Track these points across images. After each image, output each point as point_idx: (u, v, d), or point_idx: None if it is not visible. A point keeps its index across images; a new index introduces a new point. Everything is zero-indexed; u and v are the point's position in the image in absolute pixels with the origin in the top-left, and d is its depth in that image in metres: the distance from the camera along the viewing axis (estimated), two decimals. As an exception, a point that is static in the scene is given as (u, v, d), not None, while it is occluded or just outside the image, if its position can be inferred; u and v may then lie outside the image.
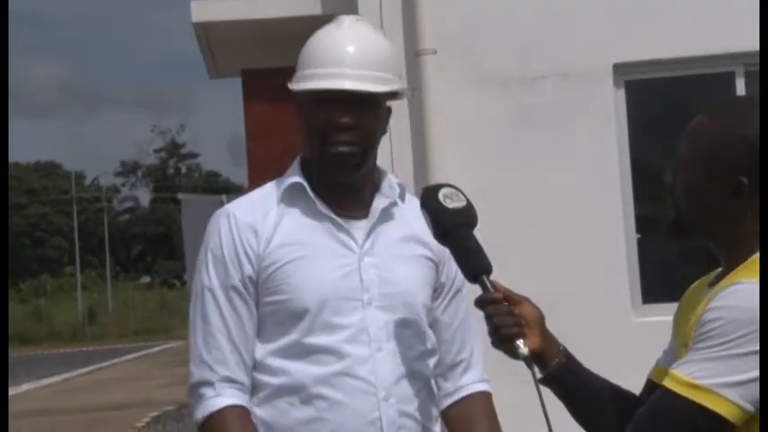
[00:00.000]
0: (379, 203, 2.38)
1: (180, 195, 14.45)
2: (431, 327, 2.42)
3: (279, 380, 2.28)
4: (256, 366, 2.31)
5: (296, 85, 2.34)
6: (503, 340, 2.01)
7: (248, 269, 2.30)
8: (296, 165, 2.40)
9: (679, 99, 5.82)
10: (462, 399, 2.46)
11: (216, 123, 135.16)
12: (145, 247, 75.03)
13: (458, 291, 2.47)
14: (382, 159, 5.53)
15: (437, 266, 2.42)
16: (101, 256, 67.21)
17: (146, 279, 71.40)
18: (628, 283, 5.72)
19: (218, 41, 7.15)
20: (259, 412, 2.30)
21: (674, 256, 5.95)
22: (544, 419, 1.97)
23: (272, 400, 2.29)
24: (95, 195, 73.87)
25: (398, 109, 5.72)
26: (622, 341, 5.41)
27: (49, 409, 18.32)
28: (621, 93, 5.85)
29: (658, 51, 5.76)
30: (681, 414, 1.75)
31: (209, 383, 2.29)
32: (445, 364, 2.45)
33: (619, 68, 5.79)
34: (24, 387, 22.93)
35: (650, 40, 5.75)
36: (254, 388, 2.31)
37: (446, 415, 2.46)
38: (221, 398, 2.28)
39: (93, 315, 52.63)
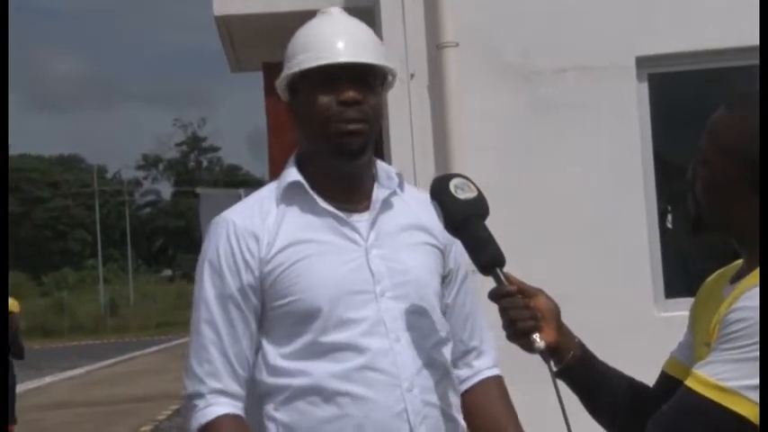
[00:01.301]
0: (379, 194, 2.36)
1: (198, 190, 14.45)
2: (443, 315, 2.40)
3: (298, 381, 2.24)
4: (271, 371, 2.27)
5: (298, 66, 2.29)
6: (519, 334, 1.99)
7: (248, 277, 2.27)
8: (292, 163, 2.37)
9: (703, 93, 5.78)
10: (476, 384, 2.45)
11: (237, 117, 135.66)
12: (166, 240, 75.32)
13: (465, 276, 2.45)
14: (404, 152, 5.57)
15: (443, 253, 2.40)
16: (122, 249, 67.54)
17: (167, 272, 71.69)
18: (651, 277, 5.69)
19: (239, 35, 7.15)
20: (279, 416, 2.26)
21: (698, 251, 5.91)
22: (550, 416, 1.97)
23: (292, 402, 2.25)
24: (117, 189, 74.23)
25: (420, 102, 5.74)
26: (645, 336, 5.38)
27: (72, 401, 18.45)
28: (645, 86, 5.81)
29: (682, 44, 5.72)
30: (705, 415, 1.72)
31: (201, 395, 2.27)
32: (458, 351, 2.43)
33: (642, 61, 5.75)
34: (47, 379, 23.12)
35: (674, 32, 5.71)
36: (272, 393, 2.27)
37: (462, 400, 2.44)
38: (214, 407, 2.26)
39: (114, 308, 52.95)
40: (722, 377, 1.71)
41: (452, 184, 2.14)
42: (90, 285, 59.60)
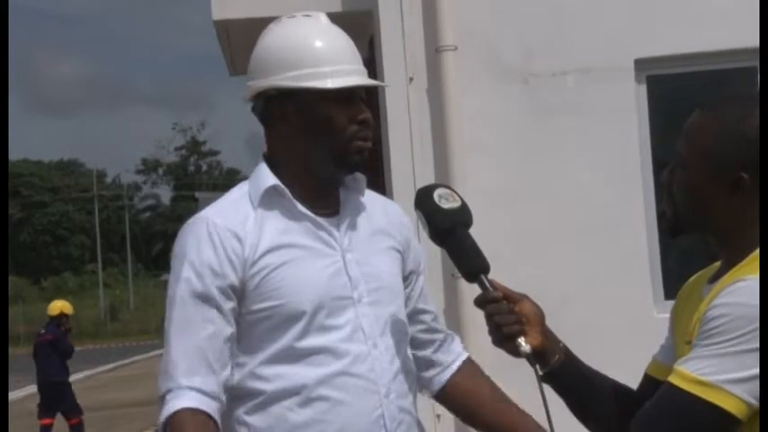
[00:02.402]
0: (346, 198, 2.37)
1: (198, 194, 14.47)
2: (411, 317, 2.44)
3: (274, 385, 2.22)
4: (244, 375, 2.25)
5: (316, 83, 2.27)
6: (505, 339, 2.03)
7: (232, 277, 2.23)
8: (264, 166, 2.35)
9: (701, 95, 5.79)
10: (462, 364, 2.51)
11: (236, 121, 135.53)
12: (166, 244, 75.21)
13: (422, 273, 2.51)
14: (403, 156, 5.57)
15: (402, 256, 2.43)
16: (122, 253, 67.58)
17: (166, 276, 71.40)
18: (650, 278, 5.70)
19: (238, 39, 7.16)
20: (251, 420, 2.23)
21: (697, 252, 5.92)
22: (545, 417, 2.00)
23: (267, 407, 2.22)
24: (117, 193, 74.29)
25: (419, 106, 5.75)
26: (644, 337, 5.35)
27: (72, 405, 18.36)
28: (643, 88, 5.82)
29: (680, 46, 5.73)
30: (687, 410, 1.75)
31: (170, 391, 2.22)
32: (436, 342, 2.50)
33: (640, 63, 5.77)
34: (47, 384, 23.02)
35: (672, 34, 5.72)
36: (243, 396, 2.25)
37: (450, 384, 2.50)
38: (178, 400, 2.18)
39: (114, 312, 52.98)
40: (703, 372, 1.74)
41: (436, 194, 2.17)
42: (90, 290, 59.61)
